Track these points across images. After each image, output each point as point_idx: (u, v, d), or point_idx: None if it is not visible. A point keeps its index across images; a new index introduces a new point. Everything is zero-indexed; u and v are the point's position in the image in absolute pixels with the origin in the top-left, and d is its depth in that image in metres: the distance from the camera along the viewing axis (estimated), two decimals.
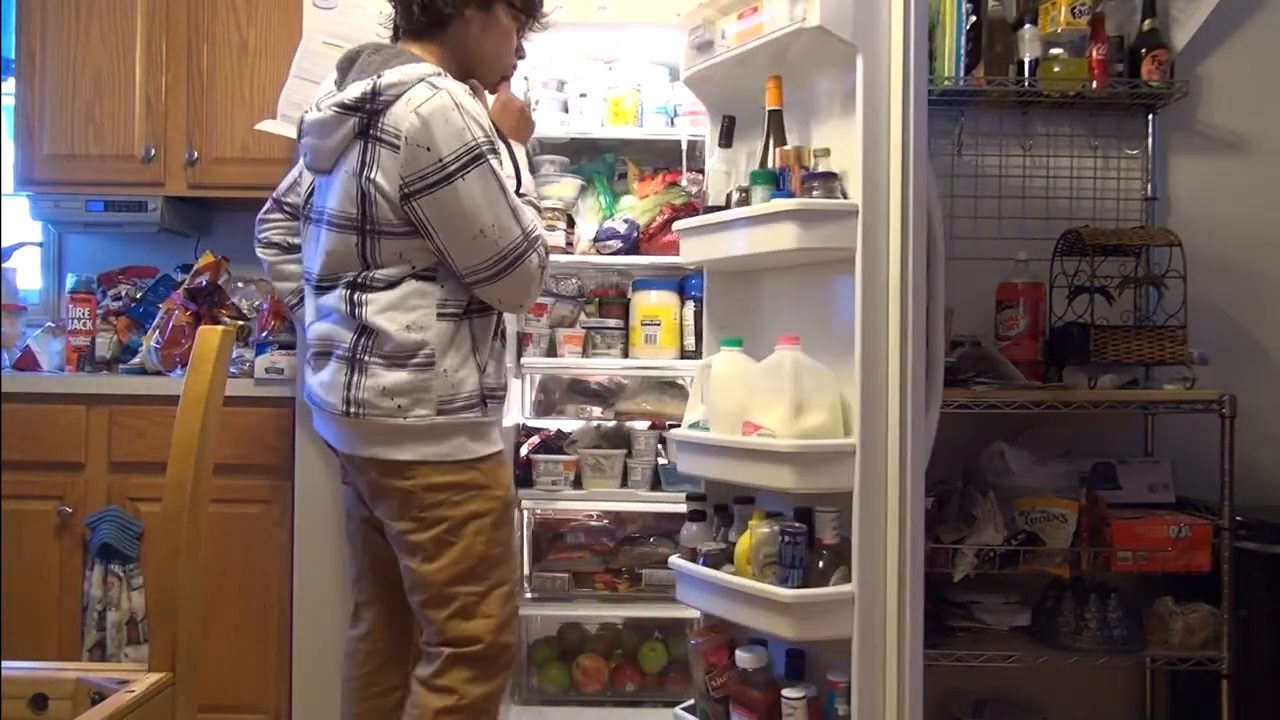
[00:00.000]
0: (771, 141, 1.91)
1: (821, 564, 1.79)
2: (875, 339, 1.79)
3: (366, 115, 1.67)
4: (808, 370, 1.83)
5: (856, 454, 1.77)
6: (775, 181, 1.87)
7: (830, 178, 1.81)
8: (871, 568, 1.78)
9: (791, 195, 1.82)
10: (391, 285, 1.71)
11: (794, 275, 2.01)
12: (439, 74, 1.70)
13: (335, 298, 1.74)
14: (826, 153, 1.85)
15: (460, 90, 1.69)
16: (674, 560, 2.06)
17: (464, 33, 1.81)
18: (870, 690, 1.78)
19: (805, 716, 1.81)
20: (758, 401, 1.86)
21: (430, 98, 1.64)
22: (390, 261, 1.71)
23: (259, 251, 2.02)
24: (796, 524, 1.81)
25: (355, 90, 1.67)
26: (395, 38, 1.87)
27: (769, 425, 1.82)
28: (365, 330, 1.71)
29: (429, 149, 1.64)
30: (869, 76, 1.78)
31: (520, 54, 1.93)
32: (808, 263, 1.92)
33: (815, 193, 1.79)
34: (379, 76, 1.67)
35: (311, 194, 1.83)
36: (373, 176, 1.67)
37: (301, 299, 1.99)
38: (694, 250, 2.08)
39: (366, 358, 1.71)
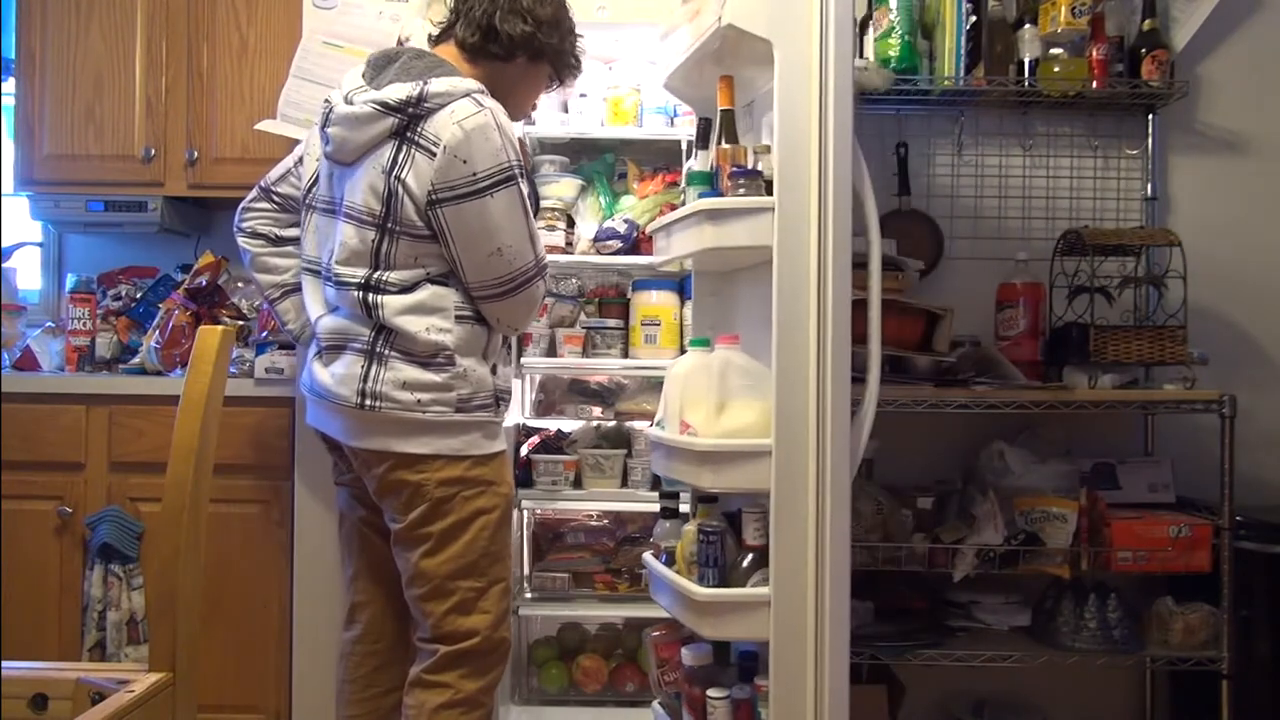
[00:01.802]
0: (723, 141, 1.90)
1: (745, 564, 1.79)
2: (794, 338, 1.75)
3: (408, 118, 1.69)
4: (739, 370, 1.82)
5: (772, 455, 1.74)
6: (711, 181, 1.87)
7: (754, 175, 1.79)
8: (790, 571, 1.74)
9: (720, 194, 1.81)
10: (407, 289, 1.73)
11: (767, 273, 1.99)
12: (483, 91, 1.73)
13: (349, 296, 1.74)
14: (768, 149, 1.82)
15: (501, 111, 1.72)
16: (645, 557, 2.09)
17: (506, 72, 1.85)
18: (788, 696, 1.74)
19: (729, 717, 1.82)
20: (690, 400, 1.86)
21: (475, 113, 1.68)
22: (404, 264, 1.73)
23: (241, 241, 2.01)
24: (714, 524, 1.81)
25: (399, 92, 1.69)
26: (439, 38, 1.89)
27: (695, 424, 1.82)
28: (384, 329, 1.72)
29: (465, 161, 1.66)
30: (786, 71, 1.75)
31: (532, 108, 2.00)
32: (765, 261, 1.88)
33: (740, 190, 1.78)
34: (425, 83, 1.68)
35: (315, 183, 1.84)
36: (403, 177, 1.68)
37: (284, 293, 1.99)
38: (659, 252, 2.13)
39: (387, 351, 1.72)
